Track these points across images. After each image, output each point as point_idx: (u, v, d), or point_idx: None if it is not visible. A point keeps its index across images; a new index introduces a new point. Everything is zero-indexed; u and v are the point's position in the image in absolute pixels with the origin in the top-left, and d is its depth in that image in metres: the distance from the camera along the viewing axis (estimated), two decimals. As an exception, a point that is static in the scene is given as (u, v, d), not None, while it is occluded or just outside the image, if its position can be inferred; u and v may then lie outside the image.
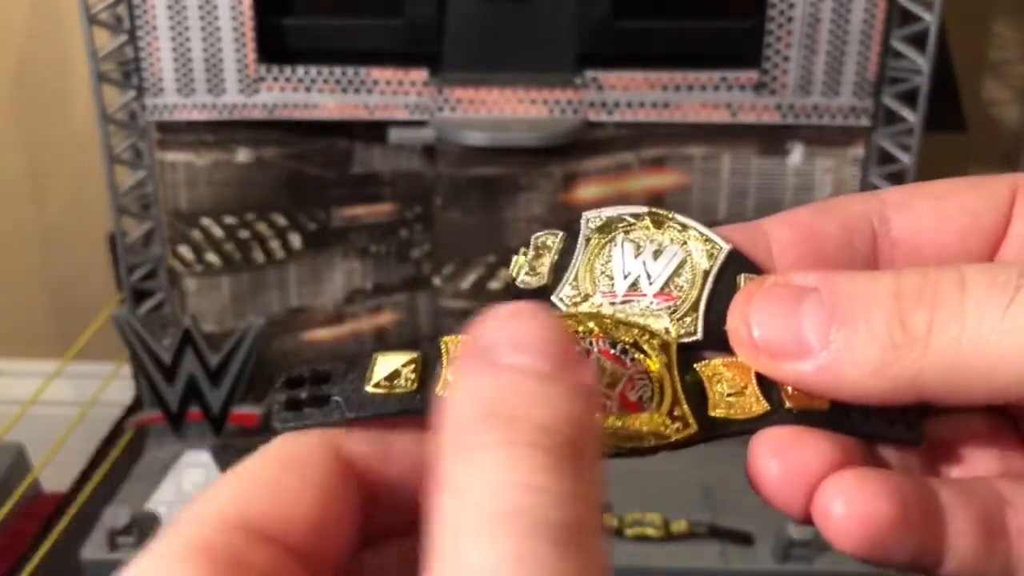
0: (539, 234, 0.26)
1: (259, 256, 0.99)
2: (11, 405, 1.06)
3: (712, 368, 0.24)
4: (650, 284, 0.25)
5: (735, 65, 0.90)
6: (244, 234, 0.98)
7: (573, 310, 0.25)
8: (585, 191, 0.95)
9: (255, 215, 0.97)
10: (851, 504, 0.22)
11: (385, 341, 1.07)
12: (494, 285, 0.96)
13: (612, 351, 0.24)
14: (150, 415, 0.95)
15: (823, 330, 0.22)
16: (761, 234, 0.26)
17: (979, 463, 0.24)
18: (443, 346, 0.23)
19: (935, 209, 0.25)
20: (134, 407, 1.05)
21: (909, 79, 0.88)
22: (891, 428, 0.23)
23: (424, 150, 0.98)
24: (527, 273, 0.26)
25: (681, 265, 0.25)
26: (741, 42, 0.90)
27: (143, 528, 0.89)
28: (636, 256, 0.25)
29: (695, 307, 0.25)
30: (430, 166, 0.98)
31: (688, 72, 0.89)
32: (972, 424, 0.25)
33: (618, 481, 0.96)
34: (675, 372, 0.24)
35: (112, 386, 1.11)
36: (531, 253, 0.26)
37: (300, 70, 0.90)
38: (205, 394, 0.91)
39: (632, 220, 0.26)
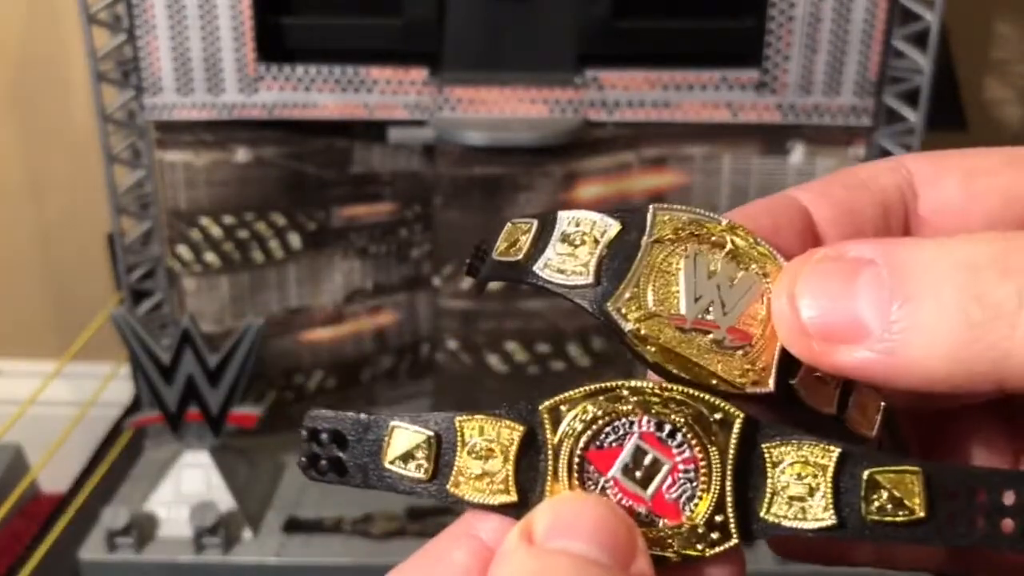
0: (573, 215, 0.22)
1: (258, 256, 0.99)
2: (9, 405, 1.06)
3: (780, 455, 0.21)
4: (724, 315, 0.21)
5: (736, 64, 0.89)
6: (243, 234, 0.97)
7: (614, 383, 0.21)
8: (585, 191, 0.94)
9: (254, 215, 0.97)
10: None
11: (385, 341, 1.06)
12: (494, 285, 0.96)
13: (657, 434, 0.21)
14: (149, 415, 0.94)
15: (884, 308, 0.19)
16: (802, 213, 0.23)
17: None
18: (458, 428, 0.21)
19: (964, 186, 0.23)
20: (133, 407, 1.05)
21: (910, 78, 0.87)
22: (1002, 535, 0.19)
23: (424, 150, 0.98)
24: (559, 263, 0.22)
25: (760, 299, 0.22)
26: (742, 42, 0.90)
27: (142, 529, 0.88)
28: (710, 278, 0.22)
29: (770, 354, 0.21)
30: (430, 166, 0.97)
31: (688, 72, 0.89)
32: None
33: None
34: (729, 462, 0.21)
35: (111, 386, 1.10)
36: (559, 235, 0.22)
37: (299, 69, 0.90)
38: (204, 394, 0.90)
39: (708, 230, 0.22)
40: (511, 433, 0.21)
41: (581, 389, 0.21)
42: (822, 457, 0.20)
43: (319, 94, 0.91)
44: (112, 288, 1.04)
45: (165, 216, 0.96)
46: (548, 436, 0.21)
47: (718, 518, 0.20)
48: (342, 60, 0.90)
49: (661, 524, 0.21)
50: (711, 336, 0.21)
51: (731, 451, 0.21)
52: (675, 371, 0.21)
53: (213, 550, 0.88)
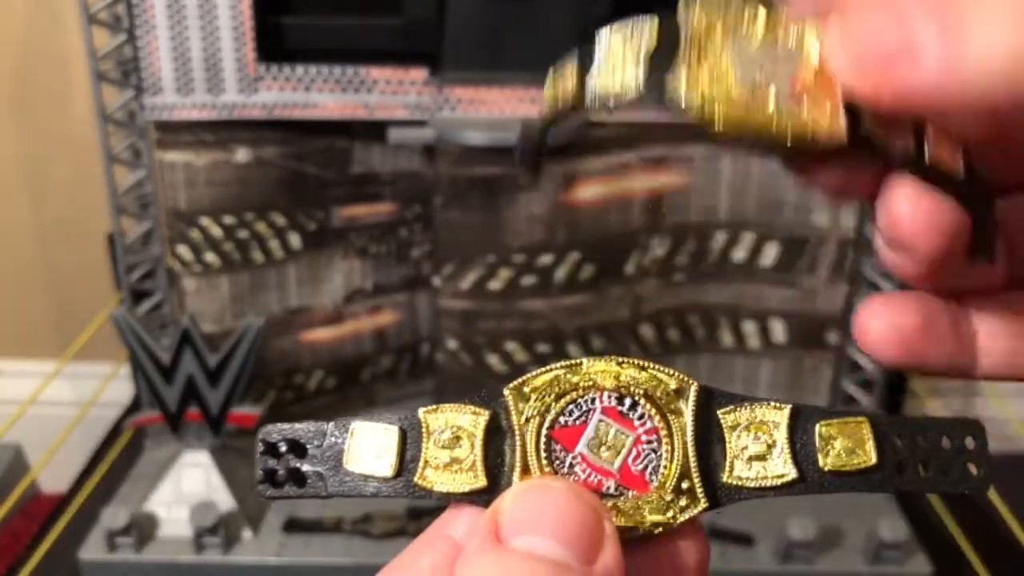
0: (607, 34, 0.22)
1: (258, 256, 0.99)
2: (9, 405, 1.06)
3: (735, 418, 0.22)
4: (779, 78, 0.21)
5: (736, 65, 0.89)
6: (243, 234, 0.97)
7: (573, 361, 0.22)
8: (585, 191, 0.94)
9: (254, 215, 0.97)
10: (882, 318, 0.22)
11: (385, 341, 1.06)
12: (494, 285, 0.96)
13: (619, 407, 0.22)
14: (148, 415, 0.94)
15: (938, 20, 0.18)
16: None
17: None
18: (422, 420, 0.22)
19: None
20: (133, 407, 1.05)
21: (910, 79, 0.87)
22: (946, 477, 0.21)
23: (424, 150, 0.98)
24: (611, 81, 0.21)
25: (807, 58, 0.21)
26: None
27: (141, 529, 0.88)
28: (755, 47, 0.21)
29: (833, 104, 0.20)
30: (430, 166, 0.97)
31: (688, 72, 0.89)
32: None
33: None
34: (689, 430, 0.21)
35: (111, 386, 1.10)
36: (600, 57, 0.21)
37: (299, 69, 0.90)
38: (204, 394, 0.90)
39: (741, 6, 0.21)
40: (476, 419, 0.21)
41: (542, 369, 0.22)
42: (775, 415, 0.21)
43: (319, 94, 0.91)
44: (112, 288, 1.04)
45: (165, 216, 0.96)
46: (513, 419, 0.21)
47: (684, 485, 0.21)
48: (342, 60, 0.90)
49: (630, 495, 0.21)
50: (771, 99, 0.21)
51: (689, 419, 0.21)
52: (748, 134, 0.21)
53: (213, 550, 0.88)
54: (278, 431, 0.22)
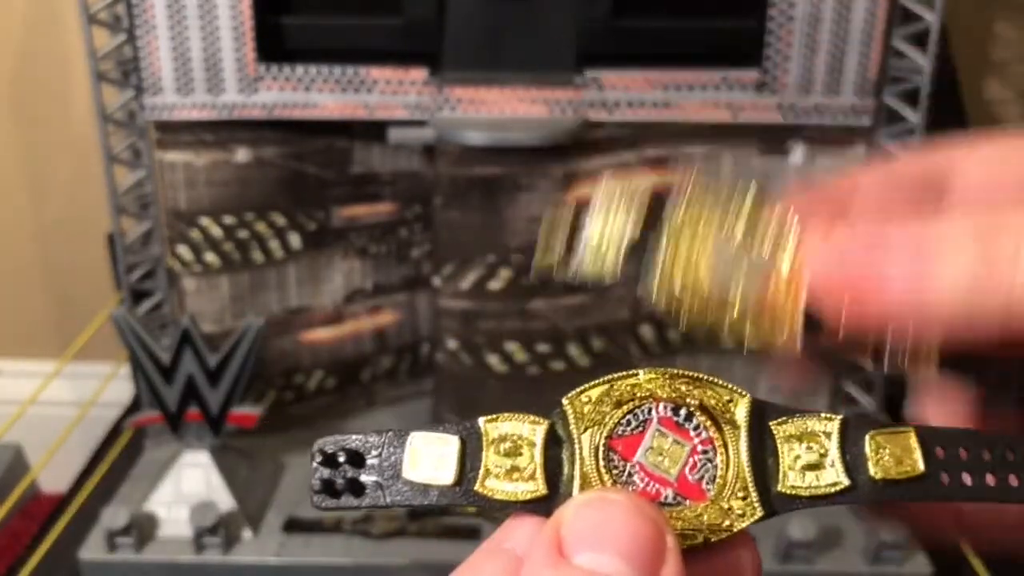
0: (604, 183, 0.24)
1: (258, 256, 0.99)
2: (9, 405, 1.06)
3: (787, 430, 0.22)
4: (747, 285, 0.23)
5: (736, 64, 0.89)
6: (243, 234, 0.97)
7: (629, 372, 0.23)
8: (585, 191, 0.94)
9: (254, 215, 0.97)
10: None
11: (385, 341, 1.06)
12: (494, 285, 0.96)
13: (675, 418, 0.22)
14: (148, 415, 0.94)
15: (908, 257, 0.21)
16: (850, 186, 0.26)
17: None
18: (482, 429, 0.22)
19: (996, 147, 0.26)
20: (133, 407, 1.05)
21: (910, 78, 0.87)
22: (990, 487, 0.22)
23: (424, 150, 0.98)
24: (588, 254, 0.24)
25: (778, 268, 0.23)
26: (742, 41, 0.90)
27: (141, 529, 0.88)
28: (728, 255, 0.23)
29: (795, 314, 0.23)
30: (430, 166, 0.97)
31: (689, 72, 0.89)
32: None
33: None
34: (743, 438, 0.22)
35: (111, 386, 1.10)
36: (598, 223, 0.24)
37: (299, 69, 0.90)
38: (204, 394, 0.90)
39: (719, 213, 0.24)
40: (535, 428, 0.22)
41: (599, 380, 0.22)
42: (826, 426, 0.22)
43: (319, 94, 0.91)
44: (112, 288, 1.04)
45: (165, 216, 0.96)
46: (572, 428, 0.22)
47: (740, 494, 0.21)
48: (342, 60, 0.90)
49: (688, 504, 0.22)
50: (738, 304, 0.23)
51: (743, 430, 0.22)
52: (712, 334, 0.23)
53: (213, 550, 0.88)
54: (334, 442, 0.22)
